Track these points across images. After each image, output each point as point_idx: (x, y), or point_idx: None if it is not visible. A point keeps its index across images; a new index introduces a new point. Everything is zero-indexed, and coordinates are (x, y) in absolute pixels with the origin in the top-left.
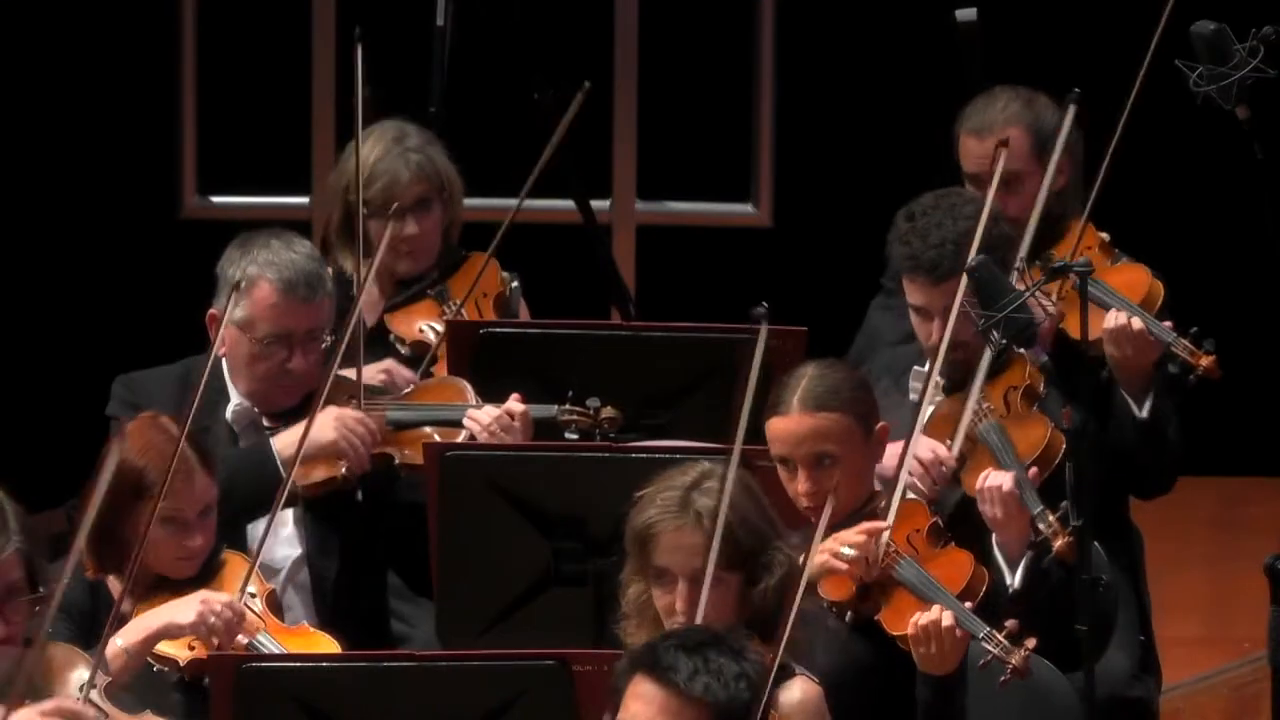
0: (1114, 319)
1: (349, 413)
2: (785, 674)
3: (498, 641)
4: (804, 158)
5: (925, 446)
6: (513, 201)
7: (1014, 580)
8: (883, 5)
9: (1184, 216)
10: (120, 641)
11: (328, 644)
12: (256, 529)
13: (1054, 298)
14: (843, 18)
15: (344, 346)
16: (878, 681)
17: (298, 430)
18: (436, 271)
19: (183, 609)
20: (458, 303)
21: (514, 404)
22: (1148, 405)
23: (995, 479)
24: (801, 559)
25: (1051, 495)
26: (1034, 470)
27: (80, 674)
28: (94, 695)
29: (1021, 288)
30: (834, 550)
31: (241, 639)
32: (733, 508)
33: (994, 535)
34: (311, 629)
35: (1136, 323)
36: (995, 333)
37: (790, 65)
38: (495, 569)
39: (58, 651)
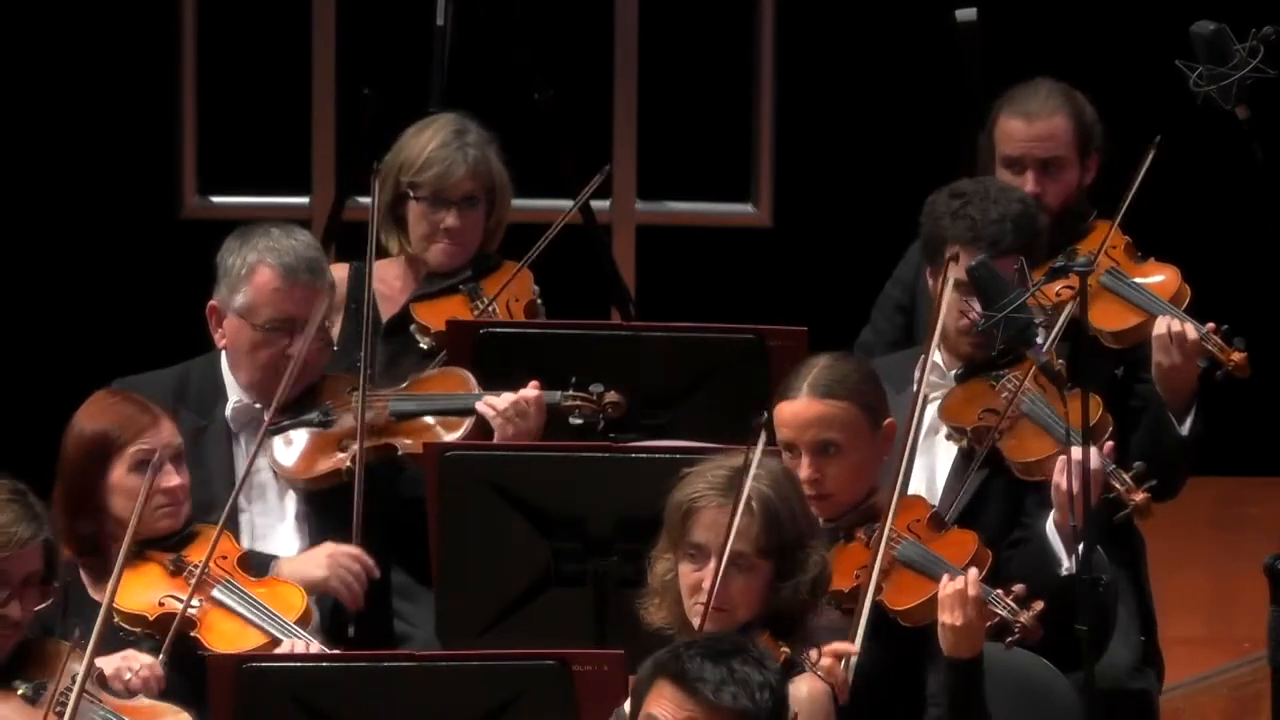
0: (1164, 325)
1: (342, 550)
2: (794, 670)
3: (498, 641)
4: (804, 158)
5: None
6: (515, 202)
7: (1070, 563)
8: (883, 5)
9: (1182, 216)
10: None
11: (293, 591)
12: (251, 516)
13: (1057, 291)
14: (843, 18)
15: (367, 327)
16: (882, 680)
17: (299, 561)
18: (470, 270)
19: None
20: (489, 298)
21: (529, 390)
22: (1189, 423)
23: (1080, 454)
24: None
25: None
26: (1109, 445)
27: (72, 666)
28: (88, 685)
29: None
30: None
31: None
32: (779, 498)
33: (1051, 515)
34: (280, 579)
35: (1191, 331)
36: (995, 333)
37: (790, 65)
38: (495, 569)
39: (50, 646)
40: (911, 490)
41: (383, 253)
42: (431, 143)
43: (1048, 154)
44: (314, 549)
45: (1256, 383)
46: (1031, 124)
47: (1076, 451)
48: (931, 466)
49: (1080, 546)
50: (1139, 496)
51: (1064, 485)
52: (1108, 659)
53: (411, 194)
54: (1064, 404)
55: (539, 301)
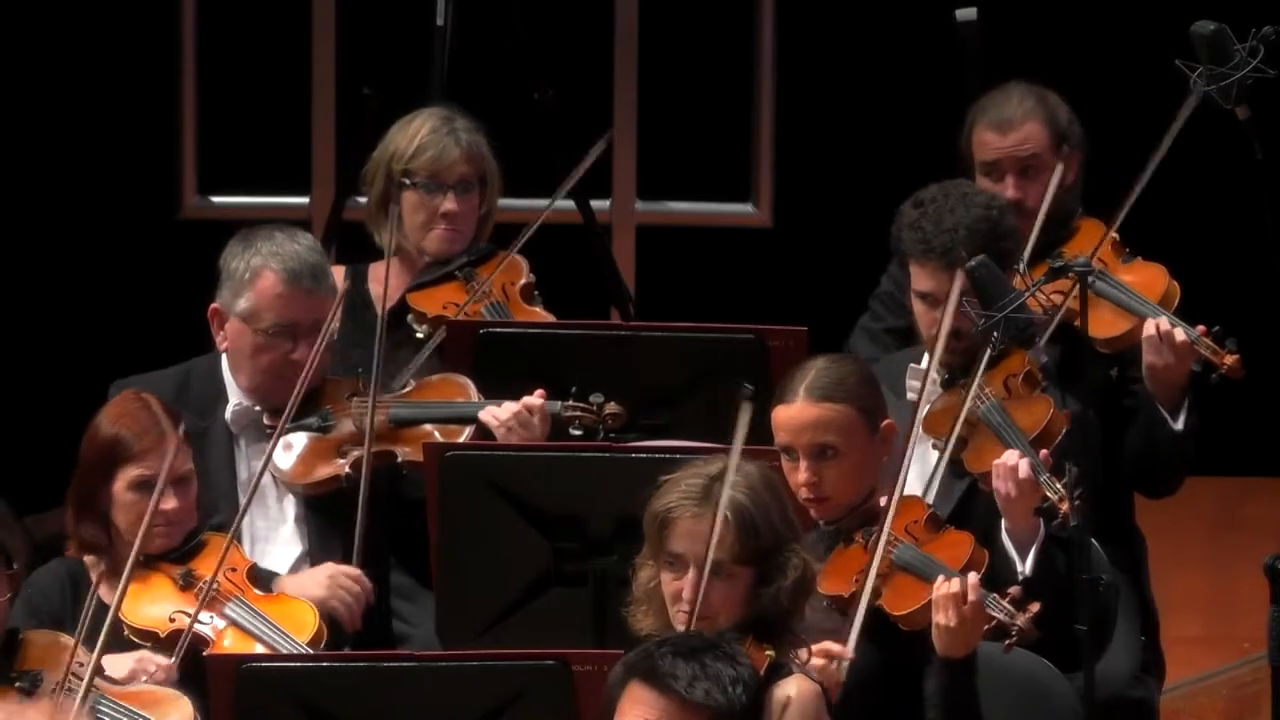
0: (1153, 326)
1: (343, 570)
2: (782, 672)
3: (498, 641)
4: (804, 158)
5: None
6: (515, 202)
7: (1025, 568)
8: (883, 5)
9: (1182, 216)
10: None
11: (305, 610)
12: (250, 519)
13: (1049, 294)
14: (843, 18)
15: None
16: (880, 683)
17: (300, 579)
18: (465, 258)
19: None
20: (485, 280)
21: (533, 399)
22: (1182, 418)
23: (1011, 457)
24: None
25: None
26: (1045, 453)
27: (66, 658)
28: (87, 674)
29: (1021, 288)
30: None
31: (210, 621)
32: (755, 504)
33: (1003, 522)
34: (289, 596)
35: (1179, 334)
36: (995, 333)
37: (790, 65)
38: (495, 569)
39: (43, 638)
40: (907, 494)
41: (377, 254)
42: (421, 130)
43: (1025, 155)
44: (315, 568)
45: (1256, 383)
46: (1005, 134)
47: (1009, 455)
48: (925, 472)
49: (1077, 547)
50: (1067, 505)
51: (1002, 490)
52: (1106, 666)
53: (406, 181)
54: (1026, 410)
55: (535, 291)
